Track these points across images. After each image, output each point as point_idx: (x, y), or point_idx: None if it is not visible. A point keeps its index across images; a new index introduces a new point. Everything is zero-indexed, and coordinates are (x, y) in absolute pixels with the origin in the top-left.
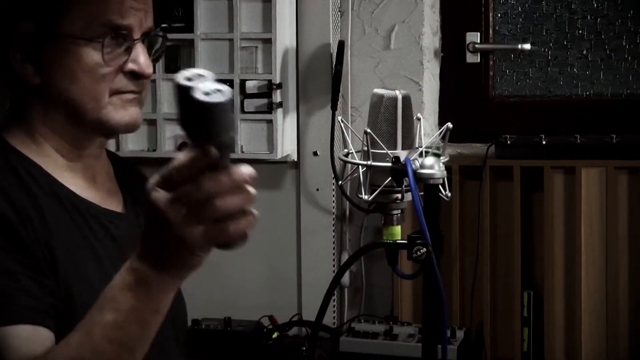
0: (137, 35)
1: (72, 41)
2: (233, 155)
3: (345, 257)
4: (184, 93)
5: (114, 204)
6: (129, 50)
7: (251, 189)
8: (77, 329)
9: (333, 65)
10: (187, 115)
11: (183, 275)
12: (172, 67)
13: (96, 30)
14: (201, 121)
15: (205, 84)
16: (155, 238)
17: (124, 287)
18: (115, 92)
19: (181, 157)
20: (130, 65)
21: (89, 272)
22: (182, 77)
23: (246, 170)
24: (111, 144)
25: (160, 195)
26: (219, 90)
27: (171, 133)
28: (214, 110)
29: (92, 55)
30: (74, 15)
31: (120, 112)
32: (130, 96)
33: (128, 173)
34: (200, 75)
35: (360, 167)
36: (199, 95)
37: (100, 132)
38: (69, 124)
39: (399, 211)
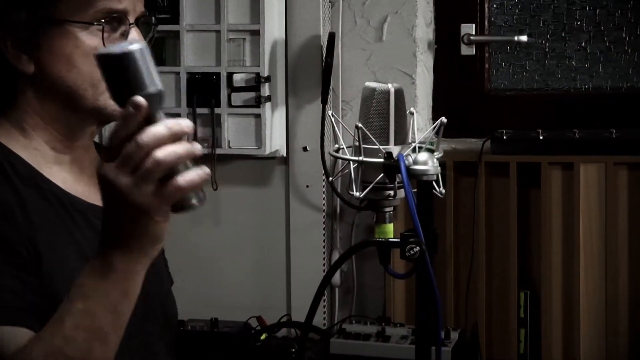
0: (132, 19)
1: (69, 26)
2: (220, 151)
3: (336, 256)
4: (101, 60)
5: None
6: (125, 35)
7: (195, 144)
8: (50, 322)
9: (323, 58)
10: (110, 78)
11: (147, 250)
12: (157, 59)
13: (93, 15)
14: (121, 75)
15: (119, 45)
16: (112, 214)
17: (91, 273)
18: None
19: (115, 123)
20: None
21: (74, 269)
22: (100, 49)
23: (182, 121)
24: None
25: (106, 167)
26: (132, 43)
27: None
28: (129, 60)
29: (90, 39)
30: (69, 0)
31: None
32: None
33: None
34: (117, 44)
35: (351, 163)
36: (109, 50)
37: (96, 120)
38: (65, 112)
39: (392, 208)
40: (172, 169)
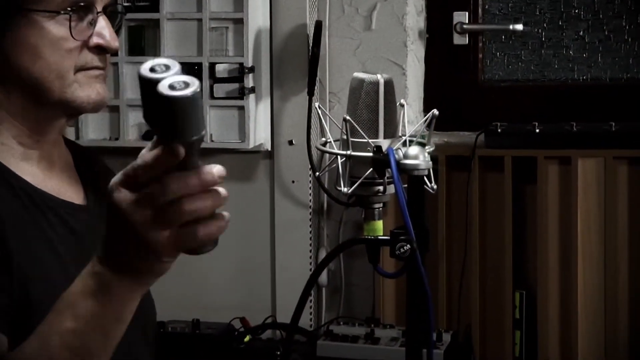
0: (99, 7)
1: (34, 15)
2: (202, 145)
3: (323, 254)
4: (148, 86)
5: (74, 196)
6: (92, 24)
7: (222, 190)
8: (34, 336)
9: (310, 48)
10: (153, 110)
11: (148, 282)
12: (136, 49)
13: (59, 4)
14: (168, 117)
15: (171, 76)
16: (117, 241)
17: (85, 292)
18: (80, 69)
19: (146, 155)
20: (96, 39)
21: (47, 268)
22: (146, 68)
23: (216, 169)
24: (70, 133)
25: (123, 196)
26: (186, 83)
27: (135, 120)
28: (181, 106)
29: (57, 29)
30: None
31: (86, 89)
32: (96, 72)
33: (88, 162)
34: (166, 66)
35: (339, 157)
36: (164, 90)
37: (64, 113)
38: (31, 105)
39: (381, 205)
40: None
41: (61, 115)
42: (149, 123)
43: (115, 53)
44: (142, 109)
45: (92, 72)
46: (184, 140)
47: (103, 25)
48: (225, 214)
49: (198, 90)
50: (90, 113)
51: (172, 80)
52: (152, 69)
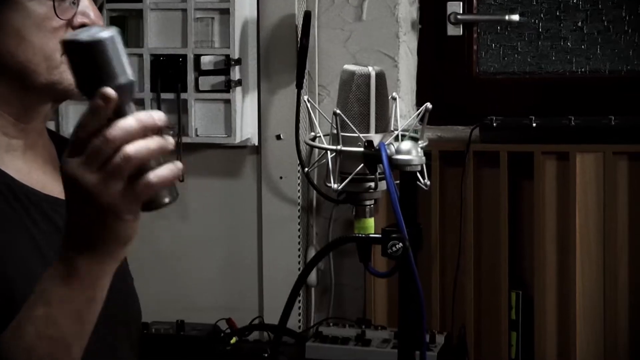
0: None
1: None
2: (186, 140)
3: (312, 253)
4: (69, 46)
5: (57, 190)
6: (75, 3)
7: (168, 138)
8: (9, 328)
9: (298, 39)
10: (78, 67)
11: (115, 253)
12: None
13: None
14: (90, 65)
15: (88, 31)
16: (76, 214)
17: (54, 277)
18: None
19: (82, 114)
20: (80, 18)
21: (30, 266)
22: (67, 35)
23: (155, 113)
24: (50, 126)
25: (71, 163)
26: (101, 30)
27: None
28: (100, 48)
29: (40, 8)
30: None
31: None
32: None
33: None
34: (86, 30)
35: (328, 152)
36: (81, 38)
37: (51, 98)
38: (16, 91)
39: (372, 202)
40: (142, 165)
41: (47, 101)
42: (80, 89)
43: None
44: (73, 79)
45: None
46: (112, 84)
47: (86, 4)
48: (178, 163)
49: (114, 33)
50: (77, 98)
51: (89, 32)
52: (72, 35)
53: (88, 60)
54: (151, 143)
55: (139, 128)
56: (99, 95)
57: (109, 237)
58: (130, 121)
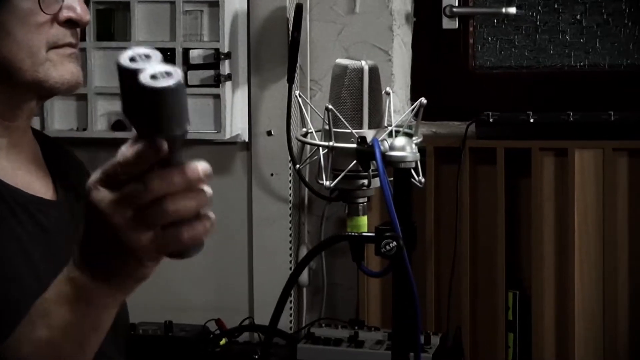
0: None
1: None
2: None
3: (303, 252)
4: (128, 77)
5: (43, 190)
6: None
7: (207, 189)
8: (5, 346)
9: (290, 32)
10: (132, 102)
11: (128, 288)
12: (105, 34)
13: None
14: (149, 110)
15: (152, 66)
16: (96, 244)
17: (60, 299)
18: (51, 47)
19: (126, 151)
20: (66, 13)
21: (16, 268)
22: (125, 57)
23: (202, 166)
24: (35, 123)
25: (102, 195)
26: (168, 73)
27: (104, 110)
28: (164, 98)
29: (25, 2)
30: None
31: (59, 68)
32: (69, 50)
33: (57, 154)
34: (146, 56)
35: (320, 148)
36: (146, 81)
37: (36, 95)
38: (1, 89)
39: (366, 199)
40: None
41: (32, 98)
42: (128, 117)
43: (84, 30)
44: (120, 102)
45: (65, 49)
46: (166, 135)
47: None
48: (211, 214)
49: (181, 81)
50: (63, 95)
51: (154, 70)
52: (132, 59)
53: (149, 104)
54: (192, 202)
55: (183, 185)
56: (150, 145)
57: (127, 277)
58: (175, 177)
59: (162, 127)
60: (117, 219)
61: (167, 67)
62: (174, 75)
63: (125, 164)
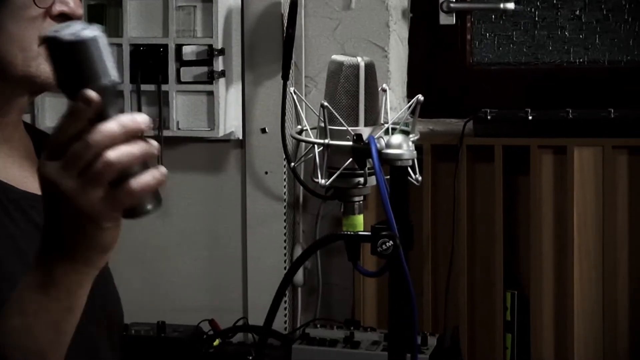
0: None
1: None
2: (167, 133)
3: (298, 251)
4: (50, 44)
5: (35, 186)
6: None
7: (153, 142)
8: None
9: (284, 28)
10: (60, 66)
11: (95, 260)
12: None
13: None
14: (72, 64)
15: (70, 27)
16: (54, 220)
17: (30, 285)
18: None
19: (62, 116)
20: (59, 6)
21: (9, 266)
22: (50, 31)
23: (140, 117)
24: (26, 119)
25: (49, 167)
26: (85, 29)
27: None
28: (83, 48)
29: None
30: None
31: None
32: None
33: None
34: (68, 26)
35: (316, 146)
36: (64, 36)
37: (28, 90)
38: None
39: (361, 198)
40: (124, 171)
41: (24, 93)
42: (60, 85)
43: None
44: (53, 77)
45: None
46: (95, 86)
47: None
48: (162, 167)
49: (99, 32)
50: (54, 91)
51: (73, 29)
52: (54, 31)
53: (70, 60)
54: (134, 148)
55: (121, 132)
56: (80, 97)
57: (88, 245)
58: (112, 125)
59: (89, 77)
60: (66, 184)
61: (85, 24)
62: (91, 28)
63: (62, 127)
